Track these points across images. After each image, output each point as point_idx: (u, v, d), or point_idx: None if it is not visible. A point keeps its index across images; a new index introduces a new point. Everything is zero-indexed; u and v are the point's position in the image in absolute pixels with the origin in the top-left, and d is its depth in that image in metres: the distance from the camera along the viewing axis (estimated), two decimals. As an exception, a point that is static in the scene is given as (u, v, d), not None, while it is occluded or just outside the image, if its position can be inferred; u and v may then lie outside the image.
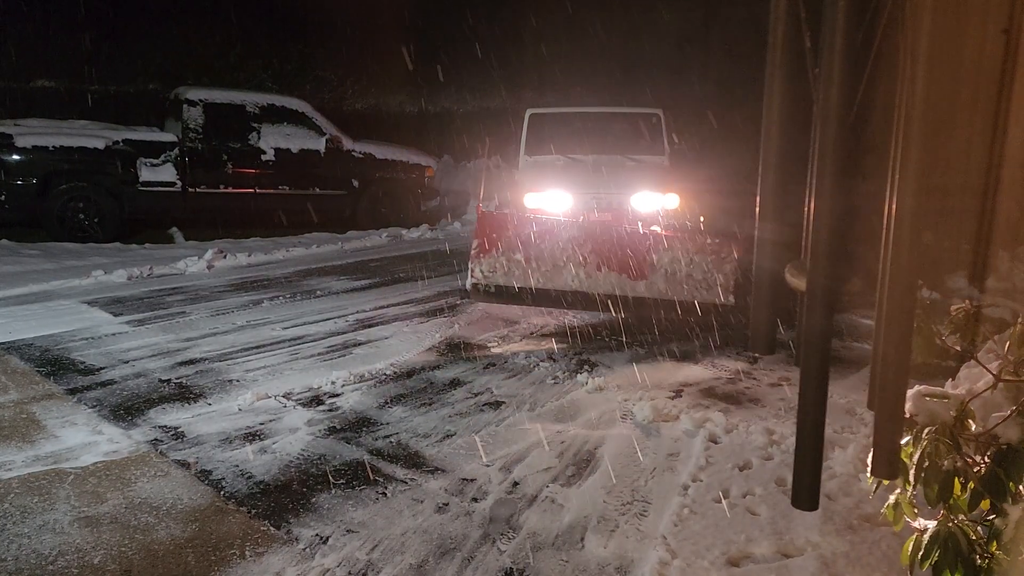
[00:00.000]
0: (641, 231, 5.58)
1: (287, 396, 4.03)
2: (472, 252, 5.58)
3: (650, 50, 16.42)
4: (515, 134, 7.45)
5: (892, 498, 1.68)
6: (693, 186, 6.87)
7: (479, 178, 7.20)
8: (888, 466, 1.22)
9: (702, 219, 6.30)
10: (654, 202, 6.29)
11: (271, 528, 2.80)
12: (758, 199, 1.38)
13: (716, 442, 3.60)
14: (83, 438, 3.47)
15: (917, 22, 1.14)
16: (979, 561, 1.52)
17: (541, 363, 4.67)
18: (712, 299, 5.37)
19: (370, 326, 5.34)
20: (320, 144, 9.08)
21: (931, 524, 1.56)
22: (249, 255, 7.59)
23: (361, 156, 9.41)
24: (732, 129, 13.54)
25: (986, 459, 1.53)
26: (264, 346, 4.83)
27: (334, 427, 3.69)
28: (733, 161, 8.90)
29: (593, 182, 6.63)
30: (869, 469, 1.27)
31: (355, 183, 9.38)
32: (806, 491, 1.24)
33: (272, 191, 8.90)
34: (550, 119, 7.39)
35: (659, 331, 5.50)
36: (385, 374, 4.42)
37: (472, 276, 5.57)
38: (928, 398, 1.56)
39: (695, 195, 6.78)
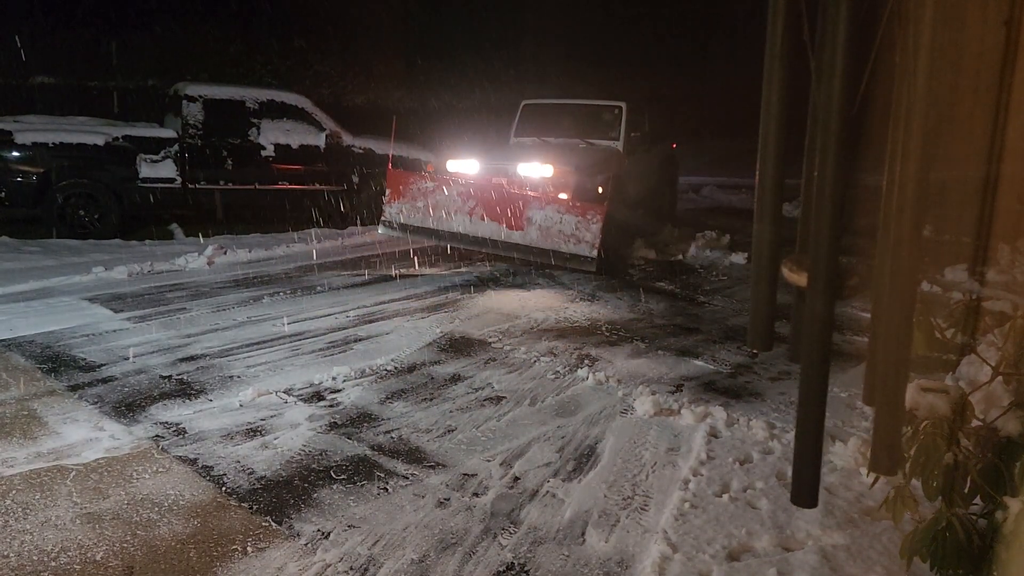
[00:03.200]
0: (516, 192, 7.02)
1: (288, 392, 4.04)
2: (385, 199, 7.46)
3: (642, 47, 16.43)
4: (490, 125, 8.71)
5: (891, 492, 1.68)
6: (619, 168, 8.05)
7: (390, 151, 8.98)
8: (888, 460, 1.22)
9: (600, 190, 7.40)
10: (536, 171, 7.35)
11: (273, 523, 2.81)
12: (756, 193, 1.37)
13: (717, 436, 3.61)
14: (85, 434, 3.47)
15: (919, 13, 1.13)
16: (978, 553, 1.52)
17: (541, 358, 4.68)
18: (578, 251, 6.67)
19: (371, 321, 5.34)
20: (320, 139, 9.05)
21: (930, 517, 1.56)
22: (249, 251, 7.59)
23: (361, 151, 9.39)
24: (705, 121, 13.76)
25: (987, 453, 1.53)
26: (265, 342, 4.83)
27: (335, 422, 3.69)
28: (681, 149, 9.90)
29: (505, 155, 7.85)
30: (868, 463, 1.27)
31: (355, 179, 9.37)
32: (806, 488, 1.24)
33: (272, 187, 8.88)
34: (539, 108, 8.87)
35: (659, 327, 5.51)
36: (386, 369, 4.42)
37: (384, 216, 7.44)
38: (927, 392, 1.56)
39: (616, 171, 7.93)
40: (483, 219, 7.01)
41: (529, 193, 7.02)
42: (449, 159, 7.87)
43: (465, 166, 7.70)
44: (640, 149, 8.75)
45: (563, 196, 7.03)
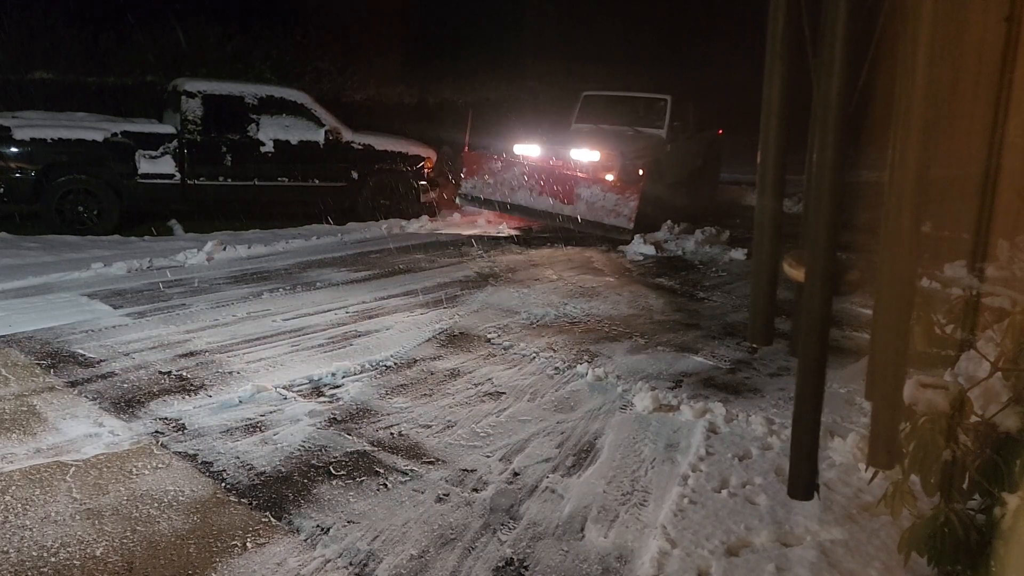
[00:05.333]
0: (569, 172, 8.44)
1: (288, 387, 4.04)
2: (462, 175, 8.98)
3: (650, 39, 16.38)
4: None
5: (890, 487, 1.68)
6: (660, 154, 9.30)
7: (465, 137, 9.83)
8: (886, 455, 1.23)
9: (641, 172, 8.59)
10: (586, 156, 8.64)
11: (272, 519, 2.81)
12: (757, 193, 1.38)
13: (716, 432, 3.61)
14: (84, 430, 3.47)
15: (918, 9, 1.13)
16: (976, 548, 1.52)
17: (541, 353, 4.68)
18: (618, 223, 8.11)
19: (370, 317, 5.34)
20: (319, 135, 9.03)
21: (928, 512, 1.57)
22: (249, 247, 7.58)
23: (360, 147, 9.37)
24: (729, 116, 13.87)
25: (985, 449, 1.53)
26: (265, 338, 4.83)
27: (335, 418, 3.70)
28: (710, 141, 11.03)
29: (563, 140, 9.16)
30: (867, 458, 1.28)
31: (354, 174, 9.34)
32: (802, 481, 1.24)
33: (271, 183, 8.86)
34: (596, 98, 10.13)
35: (658, 323, 5.51)
36: (386, 365, 4.42)
37: (460, 189, 9.01)
38: (926, 388, 1.57)
39: (656, 156, 9.16)
40: (541, 194, 8.46)
41: (579, 174, 8.38)
42: (516, 143, 9.29)
43: (528, 149, 9.09)
44: (683, 137, 9.88)
45: (609, 177, 8.31)
